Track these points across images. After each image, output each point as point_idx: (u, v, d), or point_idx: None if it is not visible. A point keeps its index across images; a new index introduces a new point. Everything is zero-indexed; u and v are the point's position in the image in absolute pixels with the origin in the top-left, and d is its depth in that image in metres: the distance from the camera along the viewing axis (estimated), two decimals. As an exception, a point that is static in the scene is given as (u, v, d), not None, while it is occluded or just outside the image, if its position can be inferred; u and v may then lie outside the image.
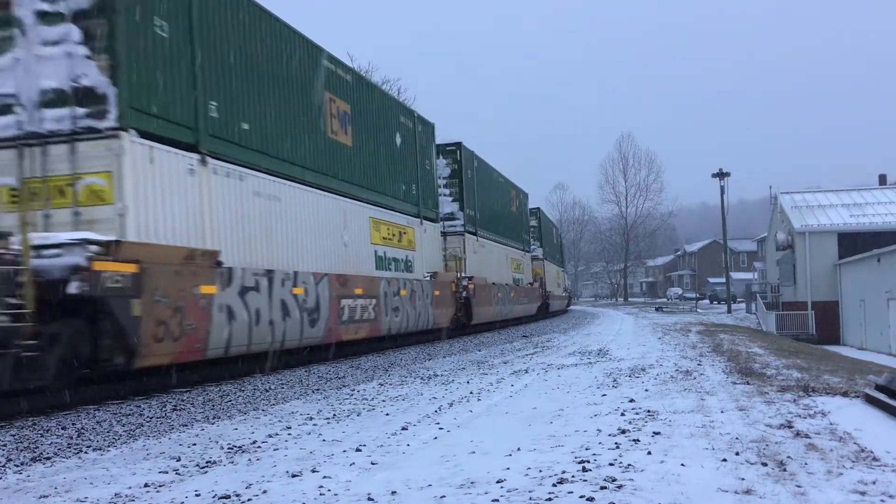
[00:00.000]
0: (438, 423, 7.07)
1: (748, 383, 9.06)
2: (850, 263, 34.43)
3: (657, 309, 54.71)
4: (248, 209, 12.15)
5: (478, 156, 26.34)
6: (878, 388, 7.28)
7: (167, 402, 9.32)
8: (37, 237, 8.62)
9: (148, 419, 8.16)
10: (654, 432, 6.02)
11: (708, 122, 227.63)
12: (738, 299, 62.65)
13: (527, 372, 11.58)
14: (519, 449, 5.66)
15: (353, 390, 10.13)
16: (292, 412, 8.27)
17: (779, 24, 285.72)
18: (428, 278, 20.35)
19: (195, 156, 10.86)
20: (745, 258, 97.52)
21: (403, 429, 6.87)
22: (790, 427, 6.11)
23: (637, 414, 6.97)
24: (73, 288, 8.34)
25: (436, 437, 6.40)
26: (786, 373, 10.51)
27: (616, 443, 5.70)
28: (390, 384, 10.68)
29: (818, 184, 53.04)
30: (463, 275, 23.10)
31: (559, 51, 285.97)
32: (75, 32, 9.47)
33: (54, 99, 9.48)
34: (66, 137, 9.44)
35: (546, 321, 36.49)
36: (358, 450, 5.98)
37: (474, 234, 25.31)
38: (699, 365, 11.62)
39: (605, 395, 8.49)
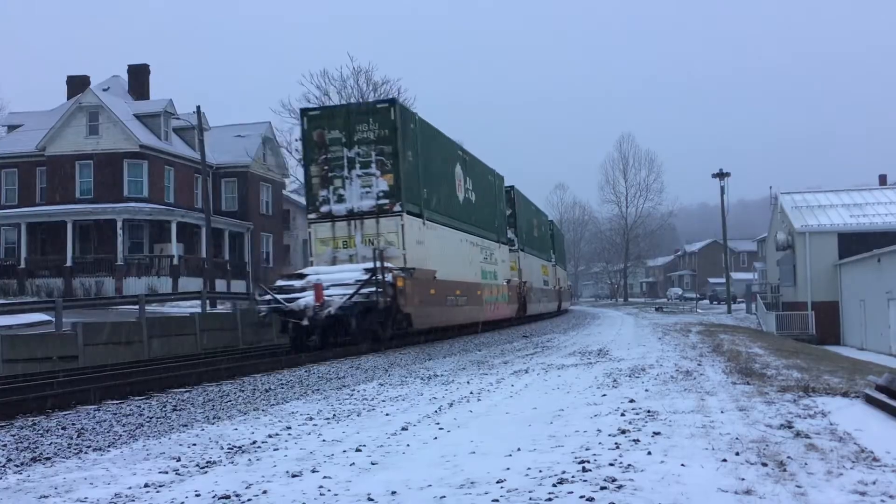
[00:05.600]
0: (438, 424, 7.06)
1: (748, 383, 9.06)
2: (850, 263, 34.42)
3: (657, 309, 54.71)
4: (530, 266, 36.43)
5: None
6: (879, 388, 7.28)
7: (167, 403, 9.32)
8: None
9: (148, 419, 8.16)
10: (654, 432, 6.02)
11: (708, 122, 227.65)
12: (739, 299, 62.65)
13: (527, 372, 11.58)
14: (519, 449, 5.65)
15: (353, 390, 10.13)
16: (292, 412, 8.27)
17: (779, 25, 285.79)
18: (552, 288, 44.67)
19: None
20: (745, 258, 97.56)
21: (403, 429, 6.87)
22: (790, 427, 6.10)
23: (637, 414, 6.97)
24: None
25: (436, 438, 6.39)
26: (786, 373, 10.51)
27: (616, 443, 5.70)
28: (390, 384, 10.67)
29: (818, 184, 53.04)
30: (559, 285, 48.56)
31: (558, 51, 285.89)
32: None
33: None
34: None
35: (544, 322, 36.55)
36: (358, 450, 5.97)
37: (564, 267, 51.89)
38: (699, 365, 11.62)
39: (605, 395, 8.49)
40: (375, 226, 18.58)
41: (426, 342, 19.69)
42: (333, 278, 17.24)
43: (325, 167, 18.89)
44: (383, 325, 17.29)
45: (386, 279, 16.78)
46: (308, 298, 16.81)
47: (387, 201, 18.57)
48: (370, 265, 16.94)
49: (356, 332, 16.92)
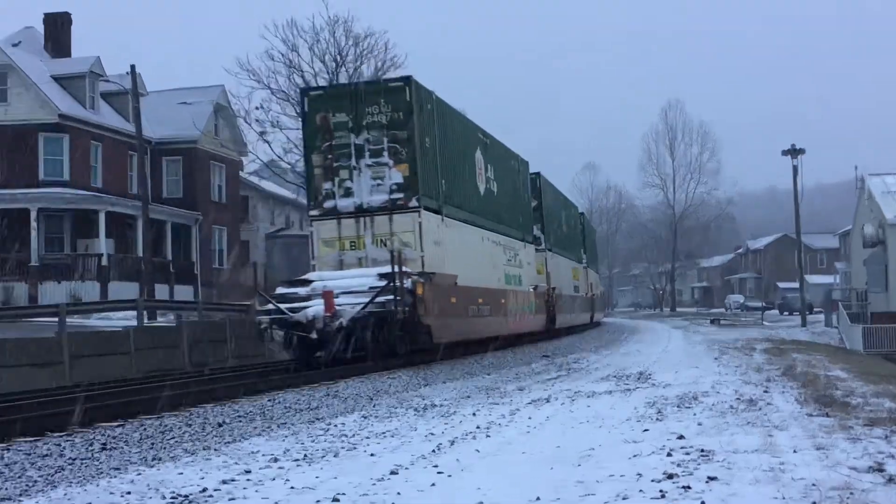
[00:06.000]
0: (437, 466, 7.08)
1: (828, 415, 9.08)
2: (956, 264, 34.44)
3: (713, 321, 54.85)
4: (559, 269, 37.96)
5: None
6: None
7: (94, 440, 9.34)
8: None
9: (70, 461, 8.17)
10: (708, 477, 6.04)
11: (776, 88, 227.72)
12: (816, 309, 62.79)
13: (548, 401, 11.62)
14: (538, 499, 5.67)
15: (329, 424, 10.16)
16: (252, 451, 8.28)
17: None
18: (584, 295, 46.64)
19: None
20: (823, 257, 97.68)
21: (393, 473, 6.88)
22: (881, 471, 6.12)
23: (687, 454, 6.99)
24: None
25: (433, 484, 6.41)
26: (875, 402, 10.53)
27: (661, 491, 5.72)
28: (375, 416, 10.70)
29: (916, 163, 53.03)
30: (592, 292, 50.86)
31: (587, 7, 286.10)
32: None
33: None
34: None
35: (573, 337, 36.63)
36: (335, 500, 5.99)
37: (597, 270, 56.59)
38: (766, 392, 11.65)
39: (646, 430, 8.52)
40: (388, 224, 19.66)
41: (421, 363, 19.72)
42: (343, 285, 18.41)
43: (330, 156, 19.95)
44: (401, 339, 18.37)
45: (405, 286, 17.75)
46: (316, 308, 17.85)
47: (401, 195, 19.61)
48: (384, 269, 18.08)
49: (371, 347, 17.98)
